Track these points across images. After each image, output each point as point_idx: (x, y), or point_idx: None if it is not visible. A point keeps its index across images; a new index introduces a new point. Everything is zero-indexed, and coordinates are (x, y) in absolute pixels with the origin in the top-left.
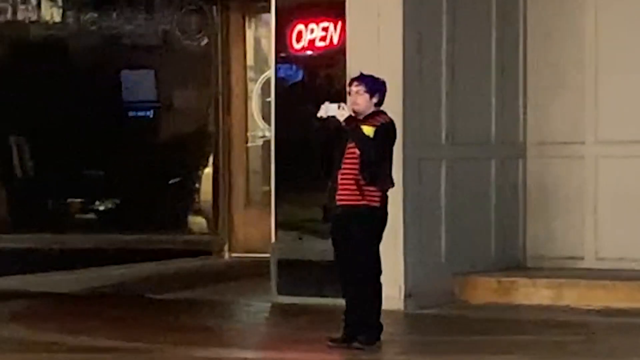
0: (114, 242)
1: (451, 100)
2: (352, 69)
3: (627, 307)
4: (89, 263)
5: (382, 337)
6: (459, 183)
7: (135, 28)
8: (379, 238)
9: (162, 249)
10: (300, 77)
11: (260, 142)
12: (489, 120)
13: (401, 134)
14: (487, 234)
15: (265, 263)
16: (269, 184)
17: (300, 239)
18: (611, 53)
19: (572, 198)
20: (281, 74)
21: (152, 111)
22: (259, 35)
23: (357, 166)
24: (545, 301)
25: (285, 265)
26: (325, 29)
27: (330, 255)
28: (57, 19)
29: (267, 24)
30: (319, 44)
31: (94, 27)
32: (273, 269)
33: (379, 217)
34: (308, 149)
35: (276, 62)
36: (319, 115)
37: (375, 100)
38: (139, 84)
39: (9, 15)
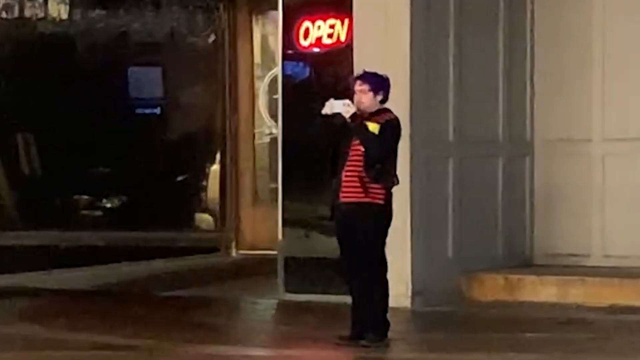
0: (121, 239)
1: (459, 97)
2: (359, 66)
3: (634, 304)
4: (96, 260)
5: (390, 334)
6: (466, 181)
7: (143, 25)
8: (384, 235)
9: (169, 246)
10: (307, 74)
11: (267, 139)
12: (496, 118)
13: (409, 131)
14: (494, 232)
15: (272, 260)
16: (276, 182)
17: (307, 236)
18: (618, 51)
19: (579, 196)
20: (288, 72)
21: (159, 108)
22: (266, 32)
23: (361, 163)
24: (552, 299)
25: (292, 263)
26: (332, 26)
27: (337, 253)
28: (64, 16)
29: (274, 21)
30: (326, 41)
31: (101, 25)
32: (280, 266)
33: (384, 214)
34: (315, 146)
35: (283, 60)
36: (323, 112)
37: (380, 97)
38: (146, 81)
39: (16, 13)
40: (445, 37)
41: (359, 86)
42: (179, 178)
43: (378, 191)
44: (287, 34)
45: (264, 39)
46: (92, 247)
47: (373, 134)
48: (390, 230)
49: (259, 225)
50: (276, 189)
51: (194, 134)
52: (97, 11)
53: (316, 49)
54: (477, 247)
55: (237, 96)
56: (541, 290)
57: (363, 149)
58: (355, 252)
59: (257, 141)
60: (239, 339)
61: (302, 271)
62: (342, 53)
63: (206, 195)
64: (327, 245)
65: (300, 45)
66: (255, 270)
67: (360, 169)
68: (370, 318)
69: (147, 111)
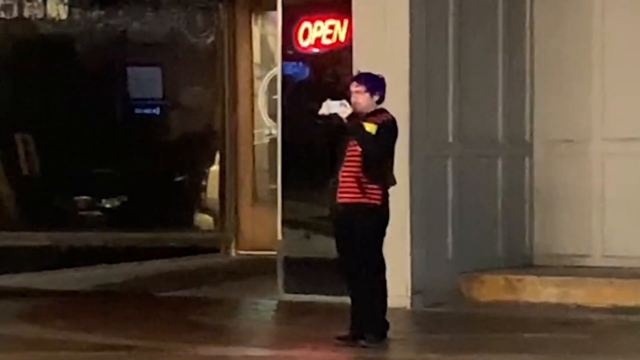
0: (121, 239)
1: (458, 97)
2: (359, 67)
3: (634, 304)
4: (96, 261)
5: (389, 334)
6: (466, 181)
7: (142, 25)
8: (381, 235)
9: (169, 246)
10: (306, 74)
11: (266, 139)
12: (495, 118)
13: (408, 131)
14: (494, 232)
15: (272, 261)
16: (276, 182)
17: (307, 236)
18: (618, 51)
19: (578, 196)
20: (288, 72)
21: (158, 109)
22: (266, 32)
23: (358, 164)
24: (552, 299)
25: (291, 263)
26: (332, 27)
27: (336, 253)
28: (63, 16)
29: (274, 21)
30: (325, 41)
31: (100, 25)
32: (280, 266)
33: (381, 214)
34: (314, 146)
35: (283, 60)
36: (320, 112)
37: (376, 98)
38: (145, 81)
39: (15, 13)
40: (445, 37)
41: (355, 87)
42: (179, 178)
43: (375, 192)
44: (287, 34)
45: (264, 39)
46: (92, 247)
47: (370, 134)
48: (389, 230)
49: (258, 225)
50: (276, 189)
51: (194, 134)
52: (97, 12)
53: (315, 50)
54: (476, 247)
55: (236, 96)
56: (541, 291)
57: (360, 150)
58: (353, 252)
59: (256, 141)
60: (239, 339)
61: (301, 271)
62: (341, 53)
63: (206, 195)
64: (327, 246)
65: (299, 45)
66: (254, 271)
67: (357, 169)
68: (369, 318)
69: (147, 111)
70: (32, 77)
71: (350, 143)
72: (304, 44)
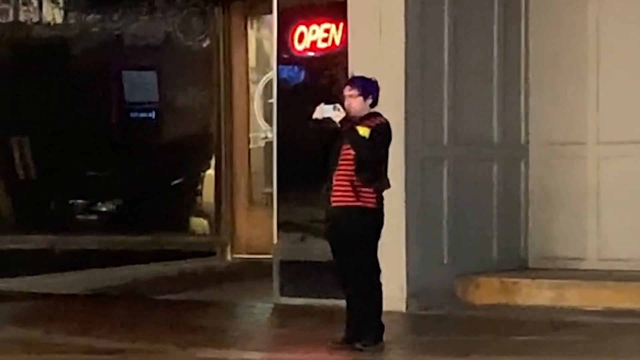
0: (116, 243)
1: (453, 100)
2: (354, 70)
3: (629, 307)
4: (91, 264)
5: (385, 337)
6: (461, 183)
7: (138, 29)
8: (376, 239)
9: (164, 250)
10: (302, 78)
11: (262, 143)
12: (491, 120)
13: (403, 133)
14: (489, 235)
15: (267, 264)
16: (271, 185)
17: (302, 240)
18: (613, 54)
19: (574, 199)
20: (283, 75)
21: (154, 112)
22: (261, 36)
23: (352, 167)
24: (548, 302)
25: (287, 266)
26: (327, 30)
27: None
28: (59, 20)
29: (269, 25)
30: (320, 45)
31: (96, 29)
32: (275, 270)
33: (374, 217)
34: (310, 150)
35: (278, 64)
36: (314, 116)
37: (369, 101)
38: (141, 85)
39: (10, 17)
40: (440, 40)
41: (348, 91)
42: (174, 182)
43: (369, 195)
44: (282, 38)
45: (259, 43)
46: (88, 251)
47: (364, 137)
48: (385, 233)
49: (254, 229)
50: (271, 192)
51: (189, 138)
52: (92, 15)
53: (311, 53)
54: (472, 250)
55: (232, 100)
56: (536, 293)
57: (354, 153)
58: (348, 256)
59: (252, 145)
60: (234, 343)
61: (297, 275)
62: (336, 57)
63: (201, 199)
64: (323, 249)
65: (295, 49)
66: (250, 274)
67: (351, 173)
68: (364, 321)
69: (142, 115)
70: (28, 81)
71: (344, 147)
72: (300, 47)
